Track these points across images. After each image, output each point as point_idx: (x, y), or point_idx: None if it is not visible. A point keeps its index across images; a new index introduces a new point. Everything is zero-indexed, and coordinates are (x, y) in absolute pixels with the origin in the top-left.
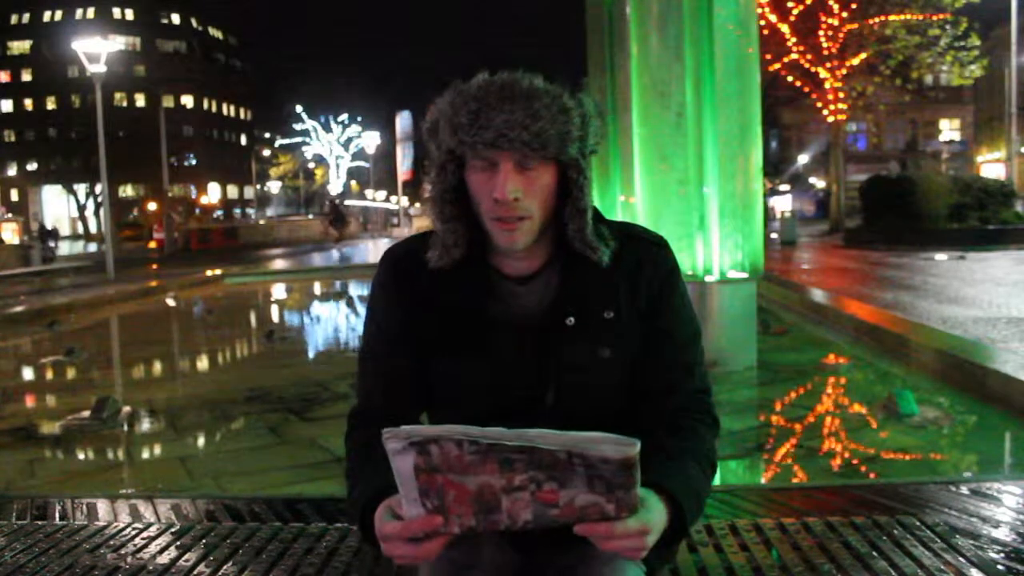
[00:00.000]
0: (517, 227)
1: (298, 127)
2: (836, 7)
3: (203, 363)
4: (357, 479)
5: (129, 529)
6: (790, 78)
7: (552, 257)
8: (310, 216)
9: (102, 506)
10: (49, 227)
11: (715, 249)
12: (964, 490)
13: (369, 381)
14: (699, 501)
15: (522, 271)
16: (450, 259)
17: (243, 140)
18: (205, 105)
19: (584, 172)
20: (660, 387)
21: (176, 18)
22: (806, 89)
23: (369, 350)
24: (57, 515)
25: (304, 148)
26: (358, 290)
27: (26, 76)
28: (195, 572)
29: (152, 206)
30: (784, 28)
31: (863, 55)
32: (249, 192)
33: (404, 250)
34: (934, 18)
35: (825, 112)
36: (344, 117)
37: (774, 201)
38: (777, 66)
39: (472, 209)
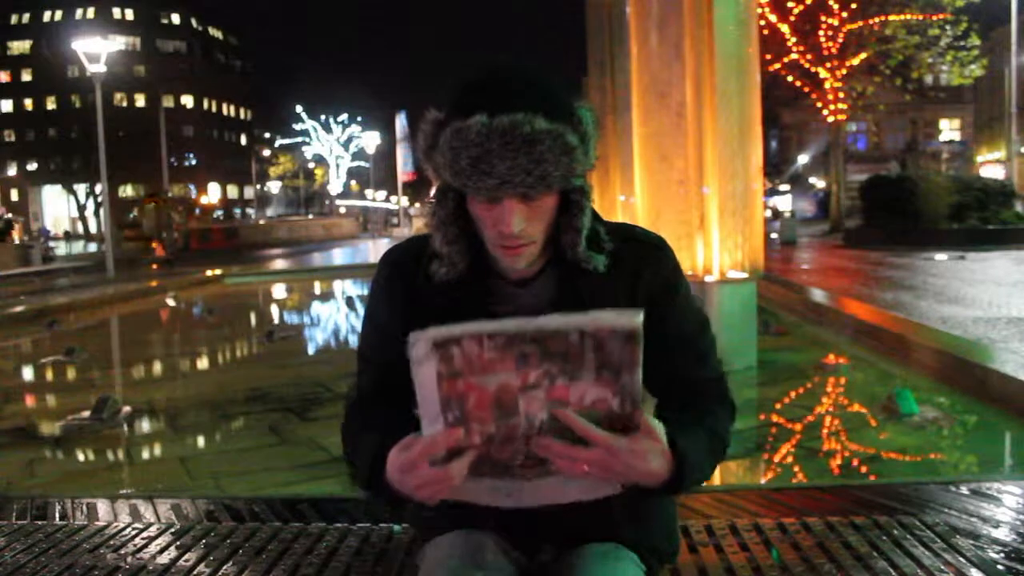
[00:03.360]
0: (521, 252)
1: (298, 127)
2: (836, 7)
3: (203, 363)
4: (359, 445)
5: (129, 529)
6: (790, 78)
7: (551, 260)
8: (310, 216)
9: (102, 506)
10: (48, 228)
11: (715, 249)
12: (964, 490)
13: (365, 379)
14: (702, 463)
15: (522, 274)
16: (456, 273)
17: (243, 140)
18: (205, 105)
19: (587, 194)
20: (674, 382)
21: (176, 18)
22: (806, 89)
23: (368, 348)
24: (57, 515)
25: (304, 148)
26: (358, 290)
27: (26, 76)
28: (195, 572)
29: (152, 206)
30: (784, 28)
31: (863, 55)
32: (249, 192)
33: (403, 252)
34: (934, 18)
35: (825, 112)
36: (344, 117)
37: (774, 201)
38: (777, 66)
39: (473, 224)
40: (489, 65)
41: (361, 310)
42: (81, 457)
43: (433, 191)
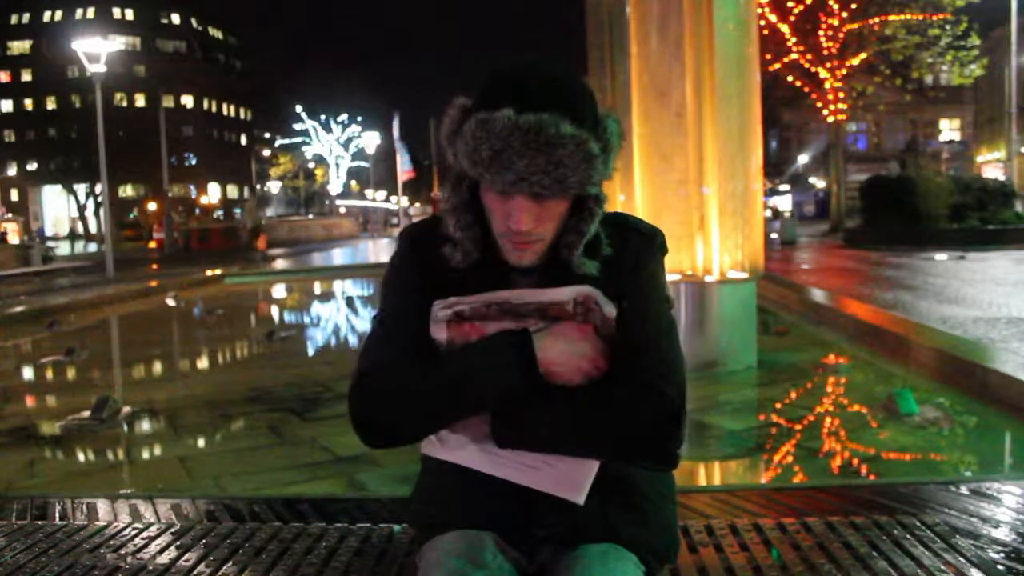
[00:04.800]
0: (528, 248)
1: (298, 127)
2: (836, 7)
3: (203, 363)
4: (449, 364)
5: (129, 529)
6: (790, 78)
7: (550, 251)
8: (310, 216)
9: (102, 506)
10: (44, 230)
11: (715, 249)
12: (964, 490)
13: (385, 343)
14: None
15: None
16: (470, 260)
17: (243, 140)
18: (205, 105)
19: (601, 203)
20: (619, 355)
21: (176, 18)
22: (806, 89)
23: (391, 315)
24: (57, 515)
25: (304, 148)
26: (358, 290)
27: (26, 76)
28: (195, 572)
29: (152, 206)
30: (784, 28)
31: (863, 55)
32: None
33: (421, 231)
34: (934, 18)
35: (825, 112)
36: (344, 117)
37: (774, 201)
38: (777, 66)
39: (486, 214)
40: (524, 60)
41: (360, 310)
42: (81, 457)
43: (451, 180)
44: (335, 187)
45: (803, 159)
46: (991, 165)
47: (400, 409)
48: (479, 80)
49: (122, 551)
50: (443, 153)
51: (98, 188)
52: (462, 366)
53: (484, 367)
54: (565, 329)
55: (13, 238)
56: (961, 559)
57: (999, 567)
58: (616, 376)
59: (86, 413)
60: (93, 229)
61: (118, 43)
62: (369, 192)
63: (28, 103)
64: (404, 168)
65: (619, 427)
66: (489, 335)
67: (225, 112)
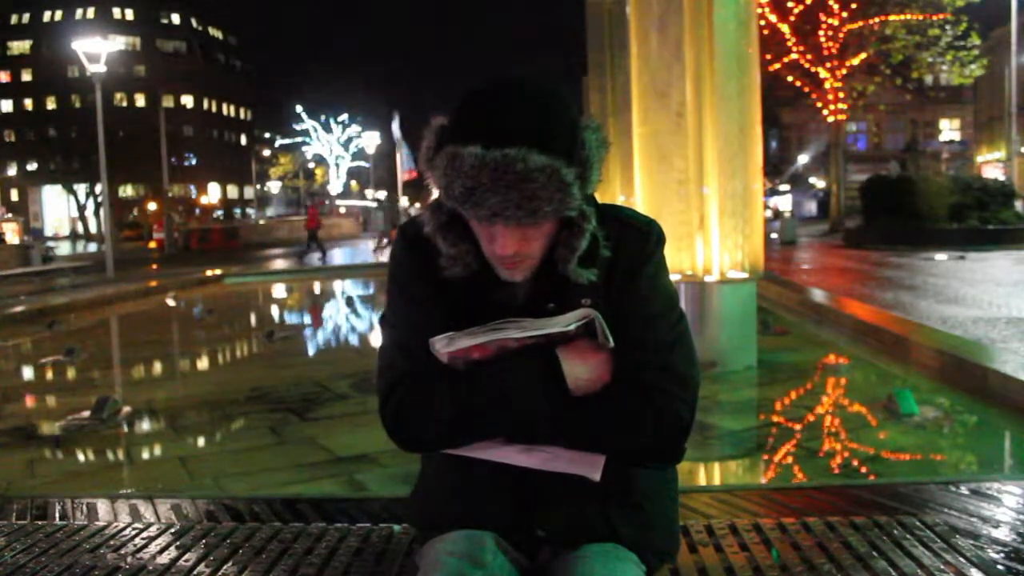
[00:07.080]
0: (518, 267)
1: (298, 127)
2: (836, 7)
3: (203, 363)
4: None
5: (129, 529)
6: (790, 78)
7: (545, 262)
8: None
9: (102, 506)
10: (41, 230)
11: (715, 249)
12: (964, 490)
13: (401, 355)
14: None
15: None
16: (467, 271)
17: (243, 140)
18: (205, 105)
19: (589, 218)
20: (625, 363)
21: (176, 18)
22: (806, 89)
23: (400, 321)
24: (57, 515)
25: (304, 148)
26: (358, 290)
27: (26, 76)
28: (195, 572)
29: (152, 206)
30: (784, 28)
31: (863, 55)
32: (249, 192)
33: (419, 229)
34: (934, 18)
35: (825, 112)
36: (344, 117)
37: (775, 201)
38: (777, 66)
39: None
40: (495, 84)
41: (360, 310)
42: (81, 457)
43: (431, 200)
44: (335, 187)
45: (803, 159)
46: (991, 165)
47: (431, 427)
48: (456, 100)
49: (122, 551)
50: (423, 174)
51: (98, 188)
52: (489, 389)
53: (511, 389)
54: (580, 344)
55: (13, 238)
56: (961, 559)
57: (999, 567)
58: (629, 388)
59: (86, 413)
60: (93, 229)
61: (118, 43)
62: (369, 192)
63: (28, 103)
64: (405, 168)
65: (631, 443)
66: (513, 357)
67: (225, 112)
